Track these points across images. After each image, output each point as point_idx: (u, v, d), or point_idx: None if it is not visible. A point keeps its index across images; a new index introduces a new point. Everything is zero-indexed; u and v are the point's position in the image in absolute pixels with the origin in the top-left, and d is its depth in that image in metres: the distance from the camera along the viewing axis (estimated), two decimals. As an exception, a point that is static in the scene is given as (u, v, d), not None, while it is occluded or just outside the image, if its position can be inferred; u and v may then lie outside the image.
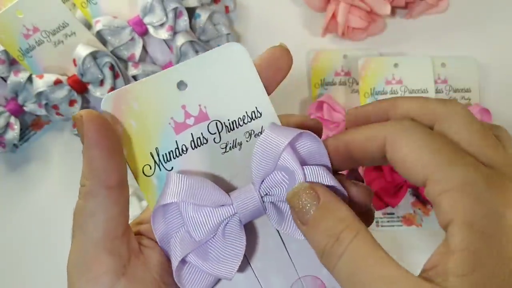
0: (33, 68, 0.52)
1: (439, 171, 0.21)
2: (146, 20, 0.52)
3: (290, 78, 0.68)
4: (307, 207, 0.22)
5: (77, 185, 0.24)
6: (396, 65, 0.55)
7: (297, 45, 0.60)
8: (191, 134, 0.25)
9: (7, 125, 0.54)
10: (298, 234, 0.24)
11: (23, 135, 0.58)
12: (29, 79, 0.53)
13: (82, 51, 0.50)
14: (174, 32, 0.53)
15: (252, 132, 0.26)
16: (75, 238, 0.24)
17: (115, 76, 0.52)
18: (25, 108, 0.54)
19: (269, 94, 0.26)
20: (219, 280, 0.25)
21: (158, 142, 0.25)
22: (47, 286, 0.54)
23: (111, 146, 0.23)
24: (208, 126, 0.25)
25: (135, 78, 0.54)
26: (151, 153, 0.25)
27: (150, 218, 0.25)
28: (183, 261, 0.24)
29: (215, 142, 0.26)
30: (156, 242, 0.26)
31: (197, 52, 0.54)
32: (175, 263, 0.24)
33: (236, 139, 0.26)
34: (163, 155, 0.25)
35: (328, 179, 0.24)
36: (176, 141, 0.25)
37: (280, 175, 0.25)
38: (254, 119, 0.26)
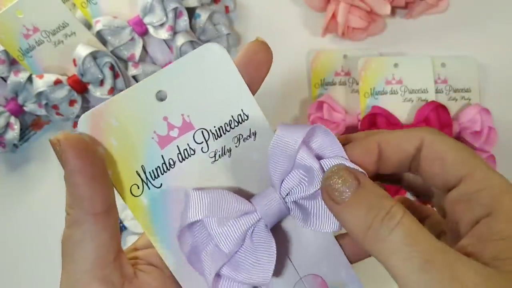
0: (33, 68, 0.52)
1: (479, 170, 0.22)
2: (146, 20, 0.52)
3: (290, 78, 0.68)
4: (347, 185, 0.22)
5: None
6: (396, 65, 0.55)
7: (297, 45, 0.60)
8: (177, 146, 0.24)
9: (7, 125, 0.54)
10: (326, 227, 0.24)
11: (23, 135, 0.58)
12: (29, 79, 0.53)
13: (82, 51, 0.50)
14: (174, 32, 0.53)
15: (241, 136, 0.25)
16: (65, 267, 0.23)
17: (115, 76, 0.52)
18: (25, 108, 0.54)
19: (253, 93, 0.25)
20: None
21: (143, 159, 0.23)
22: (46, 286, 0.54)
23: (94, 171, 0.21)
24: (194, 136, 0.24)
25: (135, 78, 0.54)
26: (137, 171, 0.23)
27: (148, 243, 0.24)
28: (217, 276, 0.24)
29: (203, 151, 0.24)
30: (154, 266, 0.25)
31: (197, 52, 0.54)
32: (209, 278, 0.23)
33: (224, 146, 0.25)
34: (150, 172, 0.24)
35: (349, 165, 0.23)
36: (162, 156, 0.24)
37: (298, 173, 0.24)
38: (241, 123, 0.25)
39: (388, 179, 0.28)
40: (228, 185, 0.25)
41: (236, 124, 0.25)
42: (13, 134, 0.54)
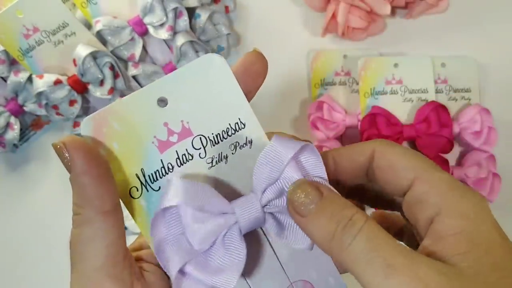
0: (33, 68, 0.52)
1: (427, 173, 0.23)
2: (146, 20, 0.52)
3: (290, 78, 0.68)
4: (310, 199, 0.23)
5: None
6: (396, 65, 0.55)
7: (297, 45, 0.60)
8: (176, 151, 0.25)
9: (7, 125, 0.54)
10: (298, 244, 0.24)
11: (23, 135, 0.58)
12: (29, 79, 0.53)
13: (82, 51, 0.50)
14: (174, 32, 0.53)
15: (237, 144, 0.25)
16: (75, 267, 0.23)
17: (115, 76, 0.52)
18: (25, 108, 0.54)
19: (249, 101, 0.26)
20: None
21: (143, 162, 0.24)
22: (46, 286, 0.54)
23: (100, 172, 0.22)
24: (192, 142, 0.25)
25: (135, 78, 0.54)
26: (136, 174, 0.24)
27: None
28: (182, 272, 0.24)
29: (200, 157, 0.25)
30: (157, 266, 0.25)
31: (197, 52, 0.54)
32: (173, 272, 0.23)
33: (221, 152, 0.25)
34: (149, 176, 0.24)
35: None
36: (161, 160, 0.24)
37: (281, 184, 0.24)
38: (238, 131, 0.25)
39: (353, 196, 0.29)
40: (223, 191, 0.25)
41: (233, 132, 0.25)
42: (13, 134, 0.54)
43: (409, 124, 0.53)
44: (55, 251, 0.49)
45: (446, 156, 0.53)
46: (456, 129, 0.53)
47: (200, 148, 0.25)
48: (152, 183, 0.24)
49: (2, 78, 0.54)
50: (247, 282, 0.26)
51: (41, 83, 0.51)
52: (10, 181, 0.58)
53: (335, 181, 0.27)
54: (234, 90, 0.25)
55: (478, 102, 0.56)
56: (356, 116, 0.55)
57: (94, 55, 0.51)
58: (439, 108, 0.52)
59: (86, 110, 0.56)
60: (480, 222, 0.22)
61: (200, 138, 0.25)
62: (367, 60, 0.55)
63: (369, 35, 0.60)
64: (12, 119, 0.54)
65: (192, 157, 0.25)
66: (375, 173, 0.26)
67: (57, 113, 0.54)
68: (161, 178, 0.25)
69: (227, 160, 0.25)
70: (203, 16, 0.54)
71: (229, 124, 0.25)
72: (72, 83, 0.52)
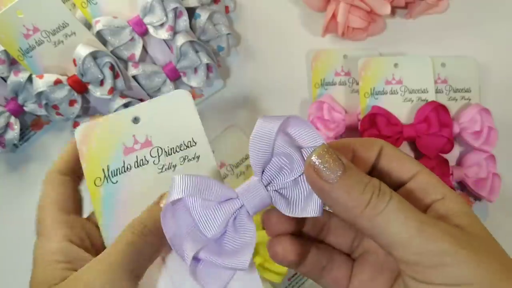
0: (33, 68, 0.52)
1: (430, 173, 0.26)
2: (146, 20, 0.52)
3: (290, 78, 0.68)
4: (337, 164, 0.24)
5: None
6: (396, 65, 0.55)
7: (297, 45, 0.60)
8: (136, 156, 0.31)
9: (7, 125, 0.54)
10: (307, 213, 0.25)
11: (23, 135, 0.58)
12: (29, 79, 0.53)
13: (82, 51, 0.50)
14: (174, 32, 0.53)
15: (186, 157, 0.31)
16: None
17: (115, 76, 0.52)
18: (25, 108, 0.54)
19: None
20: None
21: (110, 160, 0.31)
22: (47, 286, 0.54)
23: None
24: (150, 151, 0.31)
25: (135, 78, 0.54)
26: (103, 168, 0.31)
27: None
28: (197, 259, 0.26)
29: (154, 163, 0.31)
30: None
31: (197, 52, 0.54)
32: (188, 260, 0.26)
33: (171, 162, 0.31)
34: (112, 171, 0.31)
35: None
36: (123, 161, 0.31)
37: (279, 160, 0.26)
38: (189, 147, 0.31)
39: None
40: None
41: (185, 147, 0.31)
42: (13, 134, 0.54)
43: (409, 124, 0.53)
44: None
45: (446, 156, 0.53)
46: (456, 129, 0.53)
47: (156, 157, 0.31)
48: (113, 177, 0.31)
49: (2, 78, 0.54)
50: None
51: (41, 83, 0.51)
52: (10, 181, 0.58)
53: None
54: (193, 118, 0.32)
55: (478, 102, 0.56)
56: (356, 116, 0.55)
57: (94, 55, 0.51)
58: (439, 108, 0.52)
59: (86, 110, 0.56)
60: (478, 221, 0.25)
61: (158, 149, 0.31)
62: (367, 60, 0.55)
63: (369, 35, 0.60)
64: (12, 119, 0.54)
65: (148, 162, 0.31)
66: (380, 161, 0.27)
67: (57, 113, 0.54)
68: (120, 174, 0.31)
69: (175, 168, 0.31)
70: (203, 16, 0.54)
71: (183, 141, 0.31)
72: (72, 83, 0.52)
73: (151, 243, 0.28)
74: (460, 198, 0.25)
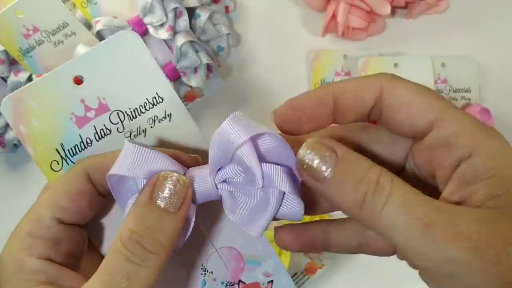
0: (33, 68, 0.52)
1: (449, 112, 0.21)
2: (146, 20, 0.52)
3: (290, 78, 0.68)
4: (326, 159, 0.21)
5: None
6: (396, 65, 0.55)
7: (297, 45, 0.60)
8: (94, 126, 0.26)
9: (7, 125, 0.54)
10: (247, 229, 0.23)
11: (23, 135, 0.58)
12: (29, 79, 0.53)
13: (82, 51, 0.50)
14: (174, 32, 0.53)
15: (156, 117, 0.26)
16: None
17: (115, 76, 0.52)
18: (25, 108, 0.54)
19: None
20: None
21: (62, 137, 0.25)
22: (47, 286, 0.54)
23: None
24: (110, 117, 0.26)
25: (135, 78, 0.54)
26: (56, 149, 0.25)
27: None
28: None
29: (118, 131, 0.26)
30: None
31: (197, 52, 0.54)
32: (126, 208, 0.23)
33: (140, 126, 0.26)
34: (68, 150, 0.26)
35: (283, 184, 0.23)
36: (79, 135, 0.26)
37: (236, 168, 0.23)
38: (156, 105, 0.26)
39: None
40: None
41: (151, 106, 0.26)
42: (13, 134, 0.54)
43: (409, 124, 0.53)
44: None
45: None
46: (456, 129, 0.53)
47: (118, 123, 0.26)
48: (72, 156, 0.26)
49: (2, 78, 0.54)
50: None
51: (41, 83, 0.51)
52: (10, 181, 0.58)
53: (330, 122, 0.24)
54: (149, 66, 0.26)
55: (478, 102, 0.56)
56: (356, 116, 0.55)
57: (94, 55, 0.51)
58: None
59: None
60: (510, 164, 0.20)
61: (118, 113, 0.26)
62: (367, 60, 0.55)
63: (369, 35, 0.60)
64: (12, 119, 0.54)
65: (110, 131, 0.26)
66: (383, 113, 0.23)
67: (57, 113, 0.54)
68: (80, 152, 0.26)
69: (145, 133, 0.26)
70: (203, 16, 0.54)
71: (147, 99, 0.26)
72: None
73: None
74: (495, 146, 0.21)
